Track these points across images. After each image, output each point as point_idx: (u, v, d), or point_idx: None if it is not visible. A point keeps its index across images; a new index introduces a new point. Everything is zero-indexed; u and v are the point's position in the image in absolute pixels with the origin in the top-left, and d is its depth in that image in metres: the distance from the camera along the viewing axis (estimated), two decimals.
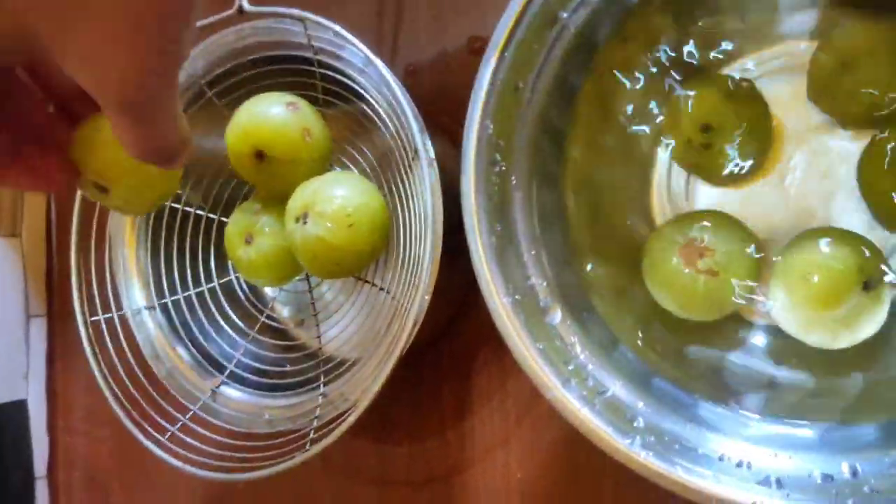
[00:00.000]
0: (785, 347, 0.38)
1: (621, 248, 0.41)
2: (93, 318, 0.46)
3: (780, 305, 0.36)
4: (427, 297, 0.38)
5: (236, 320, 0.49)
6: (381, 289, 0.44)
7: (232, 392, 0.47)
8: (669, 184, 0.41)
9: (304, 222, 0.39)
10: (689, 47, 0.40)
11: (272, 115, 0.41)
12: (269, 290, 0.51)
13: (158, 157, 0.25)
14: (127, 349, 0.46)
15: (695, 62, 0.40)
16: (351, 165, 0.46)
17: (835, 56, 0.36)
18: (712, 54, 0.40)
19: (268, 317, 0.49)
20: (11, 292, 0.59)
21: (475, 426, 0.46)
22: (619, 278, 0.41)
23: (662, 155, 0.41)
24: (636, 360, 0.38)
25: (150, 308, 0.48)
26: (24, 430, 0.59)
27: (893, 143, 0.35)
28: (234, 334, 0.48)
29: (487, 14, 0.46)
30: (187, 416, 0.45)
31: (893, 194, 0.35)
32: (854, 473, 0.31)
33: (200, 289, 0.49)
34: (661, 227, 0.40)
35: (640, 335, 0.39)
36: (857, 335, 0.35)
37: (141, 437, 0.43)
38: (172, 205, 0.48)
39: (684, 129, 0.39)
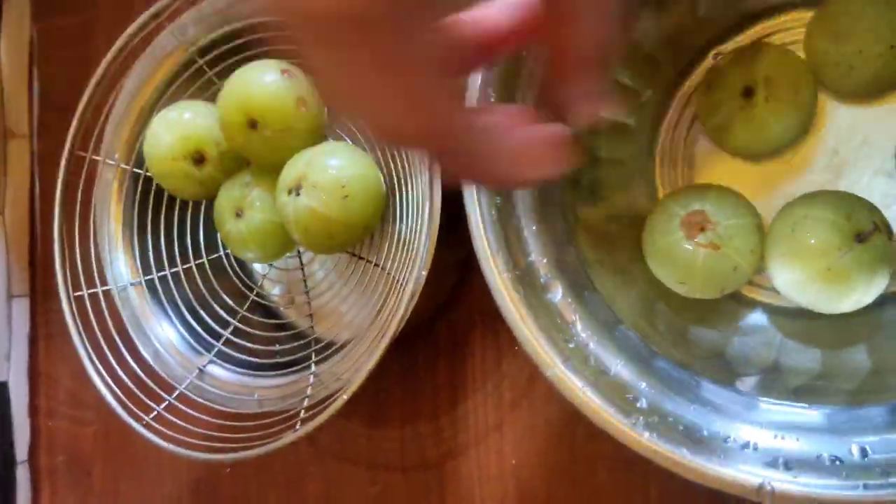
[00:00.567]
0: (789, 327, 0.37)
1: (622, 224, 0.40)
2: (76, 293, 0.44)
3: (774, 264, 0.35)
4: (424, 273, 0.36)
5: (225, 298, 0.47)
6: (376, 265, 0.43)
7: (220, 371, 0.45)
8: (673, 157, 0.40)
9: (297, 194, 0.38)
10: None
11: (266, 82, 0.39)
12: (259, 267, 0.50)
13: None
14: (112, 327, 0.45)
15: None
16: (346, 137, 0.45)
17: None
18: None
19: (258, 294, 0.48)
20: None
21: (469, 411, 0.45)
22: (621, 256, 0.40)
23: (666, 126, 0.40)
24: (638, 340, 0.37)
25: (137, 284, 0.47)
26: (4, 413, 0.57)
27: None
28: (222, 312, 0.47)
29: None
30: (174, 396, 0.44)
31: None
32: (864, 455, 0.30)
33: (189, 265, 0.47)
34: (662, 199, 0.39)
35: (642, 315, 0.38)
36: (857, 294, 0.33)
37: (126, 416, 0.42)
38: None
39: (731, 84, 0.37)
